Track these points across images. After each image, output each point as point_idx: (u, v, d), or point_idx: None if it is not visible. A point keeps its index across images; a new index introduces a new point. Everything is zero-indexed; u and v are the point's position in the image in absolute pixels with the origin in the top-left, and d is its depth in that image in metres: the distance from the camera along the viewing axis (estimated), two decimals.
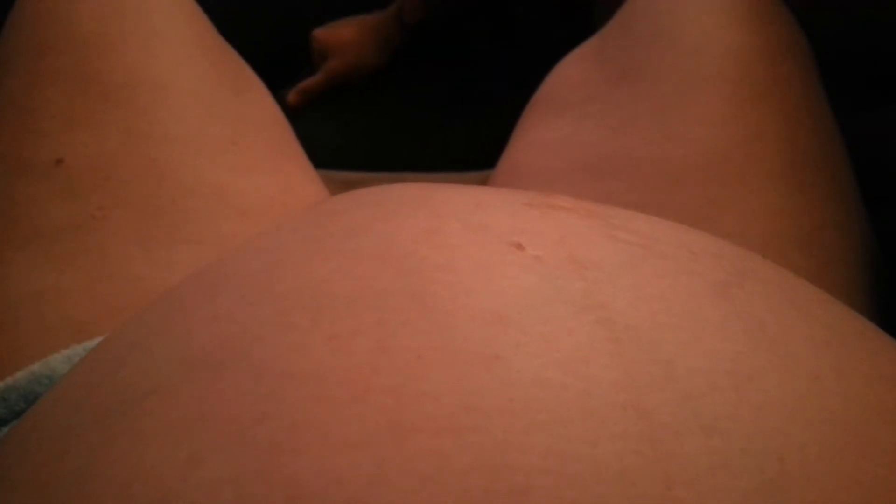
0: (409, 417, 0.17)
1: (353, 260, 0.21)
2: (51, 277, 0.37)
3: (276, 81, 0.59)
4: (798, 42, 0.49)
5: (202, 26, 0.48)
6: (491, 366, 0.18)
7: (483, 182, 0.53)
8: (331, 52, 0.75)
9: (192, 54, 0.46)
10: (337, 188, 0.53)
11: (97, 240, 0.38)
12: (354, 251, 0.21)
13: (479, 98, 0.68)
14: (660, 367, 0.18)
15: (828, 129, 0.47)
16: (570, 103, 0.49)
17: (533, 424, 0.17)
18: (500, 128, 0.54)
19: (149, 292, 0.37)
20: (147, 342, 0.21)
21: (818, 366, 0.20)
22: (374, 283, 0.20)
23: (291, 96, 0.75)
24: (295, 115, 0.52)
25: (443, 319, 0.19)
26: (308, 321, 0.19)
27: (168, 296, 0.24)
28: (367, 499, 0.16)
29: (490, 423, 0.17)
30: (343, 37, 0.76)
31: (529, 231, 0.22)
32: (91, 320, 0.36)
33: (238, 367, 0.19)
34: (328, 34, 0.77)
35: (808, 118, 0.46)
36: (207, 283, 0.23)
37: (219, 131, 0.44)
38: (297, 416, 0.17)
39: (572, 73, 0.51)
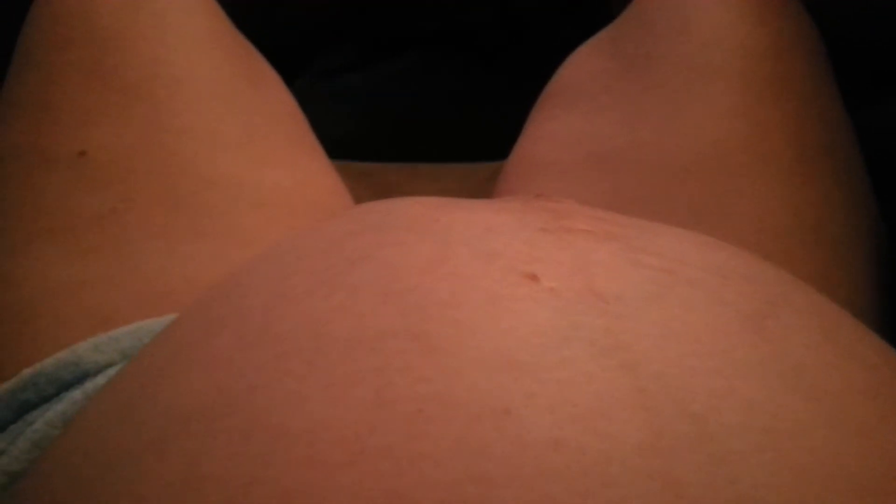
0: (407, 487, 0.14)
1: (355, 295, 0.18)
2: (75, 269, 0.35)
3: (291, 72, 0.56)
4: (810, 36, 0.45)
5: (218, 20, 0.46)
6: (500, 422, 0.15)
7: (496, 172, 0.49)
8: None
9: (208, 48, 0.43)
10: (352, 179, 0.50)
11: (120, 232, 0.36)
12: (357, 285, 0.18)
13: (491, 89, 0.64)
14: (690, 423, 0.15)
15: (839, 123, 0.44)
16: (582, 95, 0.46)
17: (546, 499, 0.13)
18: (513, 118, 0.50)
19: (170, 284, 0.35)
20: (152, 387, 0.19)
21: (864, 416, 0.16)
22: (376, 322, 0.17)
23: None
24: (306, 105, 0.49)
25: (447, 364, 0.16)
26: (305, 367, 0.16)
27: (174, 330, 0.21)
28: None
29: (497, 496, 0.13)
30: None
31: (545, 259, 0.19)
32: (115, 312, 0.34)
33: (231, 421, 0.16)
34: None
35: (819, 112, 0.43)
36: (210, 320, 0.20)
37: (236, 124, 0.42)
38: (287, 482, 0.14)
39: (585, 64, 0.48)
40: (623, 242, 0.20)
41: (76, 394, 0.29)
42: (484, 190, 0.51)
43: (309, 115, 0.49)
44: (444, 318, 0.16)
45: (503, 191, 0.45)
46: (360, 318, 0.17)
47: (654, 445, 0.15)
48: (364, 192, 0.53)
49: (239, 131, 0.41)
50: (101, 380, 0.29)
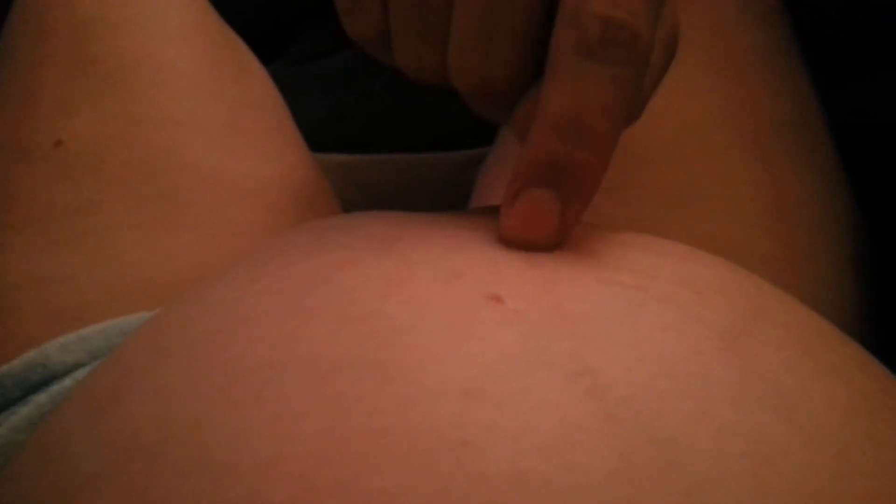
0: None
1: (311, 321, 0.16)
2: (49, 262, 0.33)
3: (266, 56, 0.54)
4: (775, 9, 0.43)
5: (202, 9, 0.43)
6: (459, 455, 0.13)
7: (474, 160, 0.48)
8: None
9: (190, 37, 0.41)
10: (329, 171, 0.48)
11: (96, 224, 0.34)
12: (313, 310, 0.16)
13: None
14: (661, 449, 0.13)
15: (805, 95, 0.42)
16: None
17: None
18: None
19: (147, 278, 0.33)
20: (94, 416, 0.17)
21: (844, 437, 0.15)
22: (331, 349, 0.15)
23: None
24: (282, 90, 0.47)
25: (404, 394, 0.14)
26: (252, 399, 0.14)
27: (123, 353, 0.19)
28: None
29: None
30: None
31: (510, 279, 0.17)
32: (89, 306, 0.32)
33: (173, 456, 0.14)
34: None
35: (787, 87, 0.41)
36: (157, 346, 0.18)
37: (218, 114, 0.39)
38: None
39: None
40: (594, 258, 0.18)
41: (42, 397, 0.27)
42: (462, 179, 0.50)
43: (285, 101, 0.47)
44: (401, 344, 0.15)
45: (486, 183, 0.44)
46: (316, 345, 0.15)
47: (623, 474, 0.13)
48: (341, 184, 0.51)
49: (220, 121, 0.39)
50: (68, 381, 0.27)
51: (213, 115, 0.39)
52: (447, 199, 0.51)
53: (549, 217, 0.18)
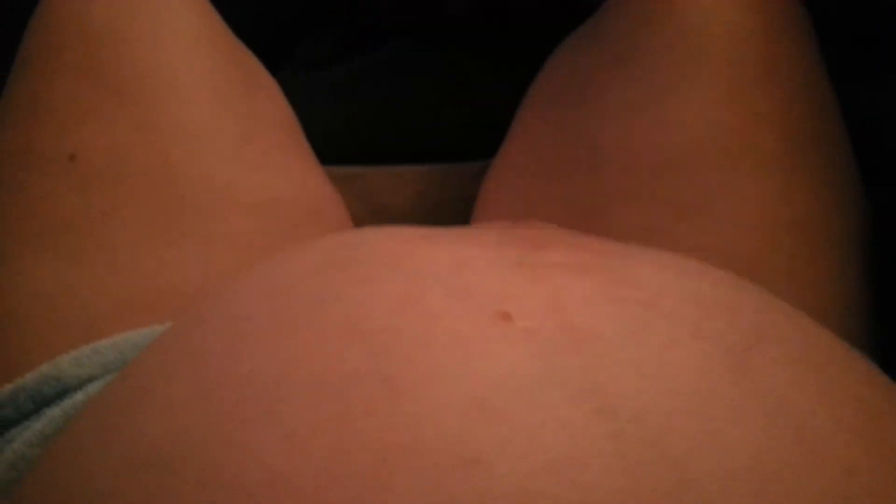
0: None
1: (321, 336, 0.16)
2: (61, 274, 0.34)
3: (271, 64, 0.54)
4: (798, 17, 0.43)
5: (214, 23, 0.44)
6: (469, 472, 0.13)
7: (482, 172, 0.48)
8: None
9: (203, 50, 0.41)
10: (337, 183, 0.49)
11: (108, 236, 0.35)
12: (323, 325, 0.17)
13: (477, 87, 0.62)
14: (670, 469, 0.14)
15: (827, 108, 0.42)
16: (567, 91, 0.44)
17: None
18: (500, 117, 0.49)
19: (159, 290, 0.34)
20: (106, 431, 0.17)
21: (851, 455, 0.15)
22: (342, 365, 0.15)
23: None
24: (288, 99, 0.48)
25: (415, 410, 0.14)
26: (264, 415, 0.15)
27: (136, 367, 0.19)
28: None
29: None
30: None
31: (519, 296, 0.17)
32: (101, 317, 0.33)
33: (184, 471, 0.14)
34: None
35: (808, 98, 0.41)
36: (168, 360, 0.18)
37: (230, 127, 0.40)
38: None
39: (569, 58, 0.46)
40: (601, 275, 0.18)
41: (55, 411, 0.27)
42: (470, 191, 0.50)
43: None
44: (412, 360, 0.15)
45: (490, 196, 0.44)
46: (326, 360, 0.15)
47: (632, 494, 0.13)
48: (346, 196, 0.52)
49: (233, 134, 0.40)
50: (80, 396, 0.28)
51: (225, 127, 0.40)
52: (458, 212, 0.51)
53: None
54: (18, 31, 0.43)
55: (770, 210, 0.37)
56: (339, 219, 0.43)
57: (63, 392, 0.28)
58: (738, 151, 0.38)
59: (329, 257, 0.20)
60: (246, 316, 0.18)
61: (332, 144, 0.54)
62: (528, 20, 0.51)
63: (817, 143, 0.39)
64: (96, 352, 0.30)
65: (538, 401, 0.14)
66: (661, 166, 0.38)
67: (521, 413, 0.14)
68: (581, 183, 0.40)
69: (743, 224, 0.36)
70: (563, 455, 0.14)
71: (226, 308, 0.20)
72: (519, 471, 0.13)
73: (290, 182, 0.40)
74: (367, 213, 0.53)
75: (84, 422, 0.18)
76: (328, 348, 0.16)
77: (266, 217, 0.38)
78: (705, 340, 0.16)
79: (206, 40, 0.42)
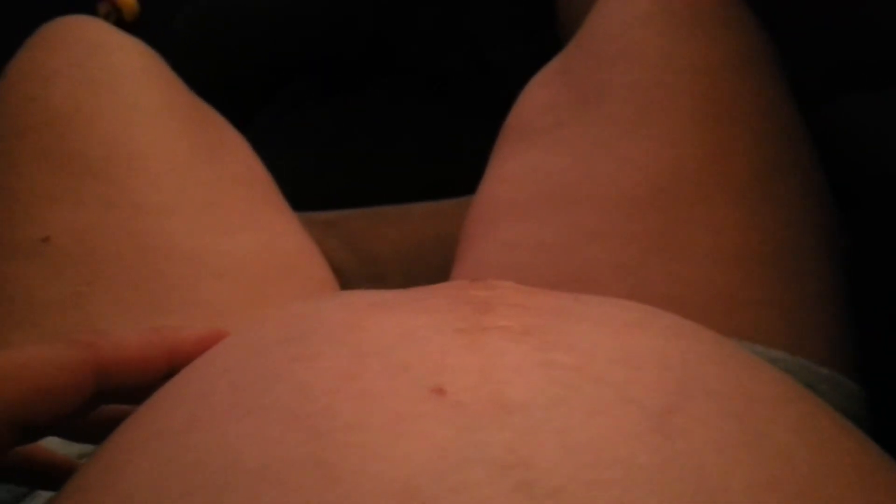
0: None
1: (266, 420, 0.17)
2: None
3: (253, 104, 0.55)
4: (762, 47, 0.44)
5: (174, 89, 0.45)
6: None
7: (462, 208, 0.49)
8: None
9: (165, 121, 0.43)
10: (316, 230, 0.50)
11: (84, 316, 0.36)
12: (269, 407, 0.18)
13: (456, 127, 0.64)
14: None
15: (795, 135, 0.42)
16: (538, 130, 0.45)
17: None
18: (479, 153, 0.50)
19: None
20: None
21: None
22: (282, 450, 0.16)
23: None
24: (269, 139, 0.49)
25: (346, 495, 0.15)
26: None
27: (107, 448, 0.20)
28: None
29: None
30: None
31: (454, 368, 0.18)
32: None
33: None
34: None
35: (775, 127, 0.42)
36: (127, 445, 0.19)
37: (195, 195, 0.41)
38: None
39: (538, 98, 0.47)
40: (537, 338, 0.19)
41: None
42: (449, 229, 0.51)
43: (271, 153, 0.48)
44: (347, 443, 0.16)
45: (468, 237, 0.45)
46: (269, 444, 0.16)
47: None
48: (329, 242, 0.53)
49: (199, 201, 0.41)
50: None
51: (191, 195, 0.41)
52: (440, 250, 0.52)
53: None
54: None
55: (741, 240, 0.37)
56: (313, 270, 0.44)
57: None
58: (707, 186, 0.38)
59: (283, 332, 0.21)
60: (203, 393, 0.19)
61: (312, 190, 0.55)
62: (513, 78, 0.52)
63: (784, 174, 0.40)
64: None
65: (463, 482, 0.15)
66: (630, 205, 0.38)
67: (447, 496, 0.15)
68: (554, 222, 0.40)
69: (715, 256, 0.37)
70: None
71: (186, 385, 0.21)
72: None
73: (259, 241, 0.41)
74: (351, 257, 0.54)
75: (61, 499, 0.19)
76: (270, 434, 0.17)
77: (236, 280, 0.39)
78: (629, 404, 0.17)
79: (167, 108, 0.43)
